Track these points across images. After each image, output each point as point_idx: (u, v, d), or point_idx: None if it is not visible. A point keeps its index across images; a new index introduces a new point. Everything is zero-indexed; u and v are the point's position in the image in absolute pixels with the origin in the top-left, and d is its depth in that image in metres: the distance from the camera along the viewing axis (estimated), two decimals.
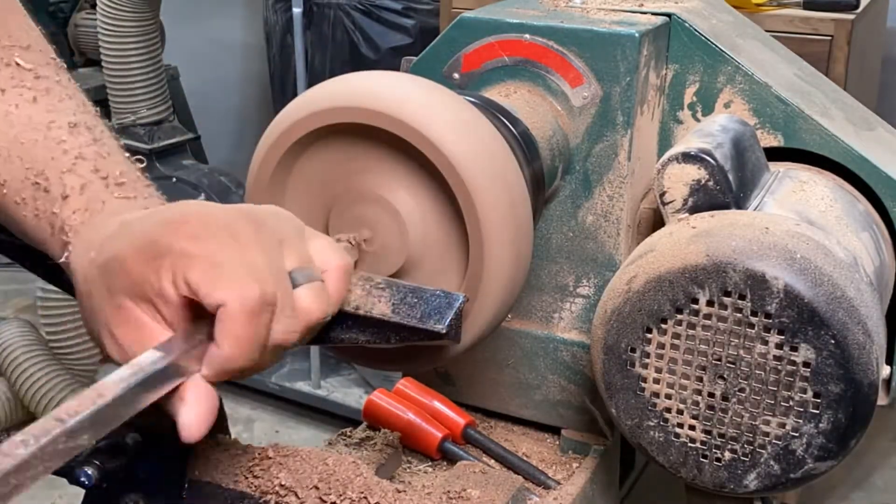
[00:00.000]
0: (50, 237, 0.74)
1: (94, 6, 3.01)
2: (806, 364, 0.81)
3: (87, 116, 0.81)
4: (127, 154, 0.80)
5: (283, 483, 0.78)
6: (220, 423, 0.84)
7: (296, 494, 0.77)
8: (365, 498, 0.77)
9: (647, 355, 0.87)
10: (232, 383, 2.88)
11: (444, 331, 0.73)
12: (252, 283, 0.65)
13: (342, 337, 0.76)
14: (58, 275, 0.76)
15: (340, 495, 0.77)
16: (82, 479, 0.75)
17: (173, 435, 0.79)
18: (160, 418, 0.80)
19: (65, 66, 0.86)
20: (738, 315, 0.83)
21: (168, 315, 0.67)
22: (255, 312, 0.65)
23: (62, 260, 0.73)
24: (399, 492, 0.79)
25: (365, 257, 0.86)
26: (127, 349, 0.67)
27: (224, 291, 0.64)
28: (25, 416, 2.87)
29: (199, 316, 0.67)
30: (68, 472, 0.76)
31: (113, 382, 0.61)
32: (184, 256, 0.65)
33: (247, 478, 0.79)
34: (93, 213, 0.73)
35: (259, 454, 0.80)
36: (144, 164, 0.81)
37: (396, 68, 1.03)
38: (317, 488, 0.77)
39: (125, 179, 0.76)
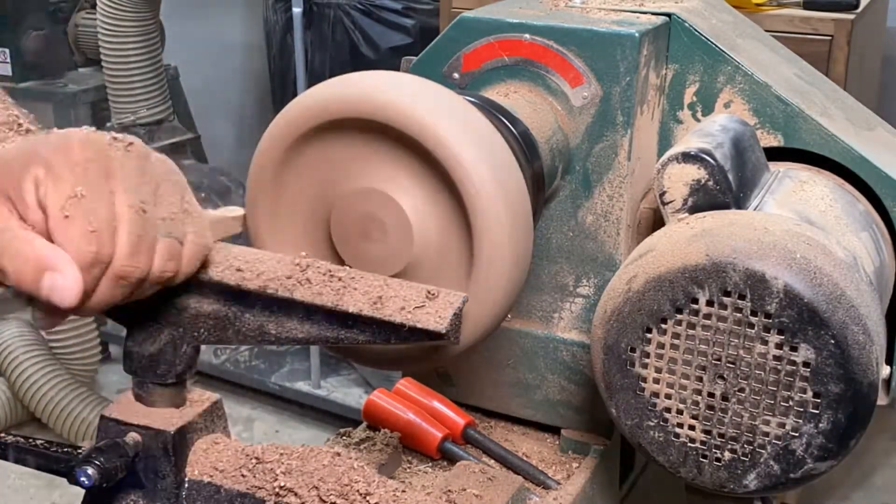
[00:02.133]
0: None
1: (94, 6, 3.01)
2: (806, 364, 0.81)
3: None
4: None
5: (283, 484, 0.78)
6: (219, 424, 0.84)
7: (296, 494, 0.77)
8: (366, 498, 0.77)
9: (647, 355, 0.87)
10: (232, 383, 2.86)
11: (444, 331, 0.73)
12: (92, 240, 0.68)
13: (342, 336, 0.76)
14: None
15: (340, 495, 0.77)
16: (82, 478, 0.75)
17: (174, 435, 0.79)
18: (161, 418, 0.80)
19: None
20: (738, 315, 0.83)
21: (27, 218, 0.69)
22: (85, 267, 0.68)
23: None
24: (400, 491, 0.79)
25: (374, 258, 0.87)
26: None
27: (65, 238, 0.67)
28: (25, 415, 2.87)
29: None
30: (68, 472, 0.76)
31: None
32: (54, 172, 0.68)
33: (246, 478, 0.79)
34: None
35: (258, 454, 0.80)
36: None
37: (396, 68, 1.03)
38: (317, 488, 0.77)
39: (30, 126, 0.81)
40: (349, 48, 3.04)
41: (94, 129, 0.74)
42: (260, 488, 0.78)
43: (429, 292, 0.76)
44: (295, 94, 0.88)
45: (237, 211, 0.88)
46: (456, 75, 1.06)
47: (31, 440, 0.82)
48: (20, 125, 0.80)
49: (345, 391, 2.99)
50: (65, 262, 0.67)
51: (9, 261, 0.68)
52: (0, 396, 2.84)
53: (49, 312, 0.70)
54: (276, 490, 0.78)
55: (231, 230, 0.87)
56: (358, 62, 2.98)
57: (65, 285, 0.67)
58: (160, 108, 3.04)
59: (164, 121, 3.06)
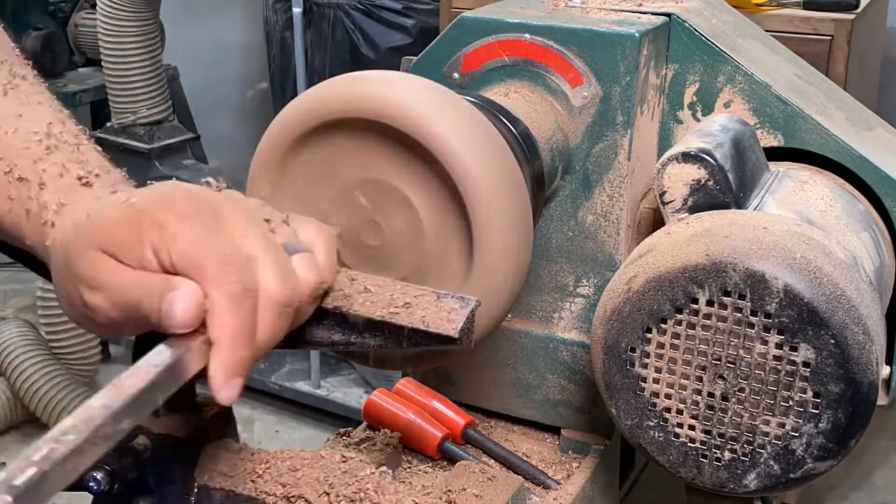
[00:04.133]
0: (25, 221, 0.74)
1: (94, 6, 3.01)
2: (806, 364, 0.81)
3: (58, 111, 0.81)
4: (97, 147, 0.80)
5: (292, 489, 0.77)
6: (229, 429, 0.84)
7: (306, 500, 0.77)
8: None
9: (647, 355, 0.87)
10: None
11: (456, 335, 0.73)
12: (231, 273, 0.65)
13: (354, 341, 0.75)
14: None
15: (352, 500, 0.76)
16: (91, 483, 0.75)
17: (184, 440, 0.79)
18: (171, 423, 0.80)
19: (28, 62, 0.85)
20: (738, 315, 0.83)
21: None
22: (239, 301, 0.65)
23: (47, 243, 0.72)
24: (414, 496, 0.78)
25: (374, 258, 0.86)
26: (105, 286, 0.66)
27: (205, 279, 0.65)
28: (25, 416, 2.87)
29: None
30: (79, 480, 0.75)
31: (144, 368, 0.62)
32: (169, 232, 0.66)
33: (256, 483, 0.78)
34: (73, 196, 0.73)
35: (268, 459, 0.79)
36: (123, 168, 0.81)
37: (396, 68, 1.03)
38: (327, 493, 0.77)
39: (100, 168, 0.77)
40: (349, 48, 3.03)
41: (175, 180, 0.72)
42: (270, 494, 0.78)
43: (440, 296, 0.75)
44: (295, 94, 0.88)
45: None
46: (456, 75, 1.06)
47: None
48: (88, 183, 0.75)
49: (345, 391, 2.99)
50: (187, 283, 0.64)
51: (139, 291, 0.65)
52: (0, 396, 2.84)
53: (219, 363, 0.66)
54: (287, 495, 0.77)
55: None
56: (358, 62, 2.98)
57: (185, 298, 0.63)
58: (160, 108, 3.04)
59: (164, 121, 3.06)
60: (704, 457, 0.87)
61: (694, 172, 0.93)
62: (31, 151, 0.75)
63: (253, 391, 3.02)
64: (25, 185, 0.74)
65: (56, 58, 3.20)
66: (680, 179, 0.93)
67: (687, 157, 0.93)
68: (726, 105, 1.07)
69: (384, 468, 0.80)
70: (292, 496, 0.77)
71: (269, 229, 0.71)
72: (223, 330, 0.65)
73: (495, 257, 0.83)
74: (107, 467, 0.75)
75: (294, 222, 0.75)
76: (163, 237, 0.65)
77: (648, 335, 0.86)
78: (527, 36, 1.03)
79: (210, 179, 0.72)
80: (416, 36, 3.01)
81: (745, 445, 0.85)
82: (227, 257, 0.66)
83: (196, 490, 0.79)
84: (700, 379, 0.85)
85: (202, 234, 0.66)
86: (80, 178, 0.75)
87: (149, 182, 0.77)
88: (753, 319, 0.82)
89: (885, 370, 0.92)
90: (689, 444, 0.87)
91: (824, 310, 0.80)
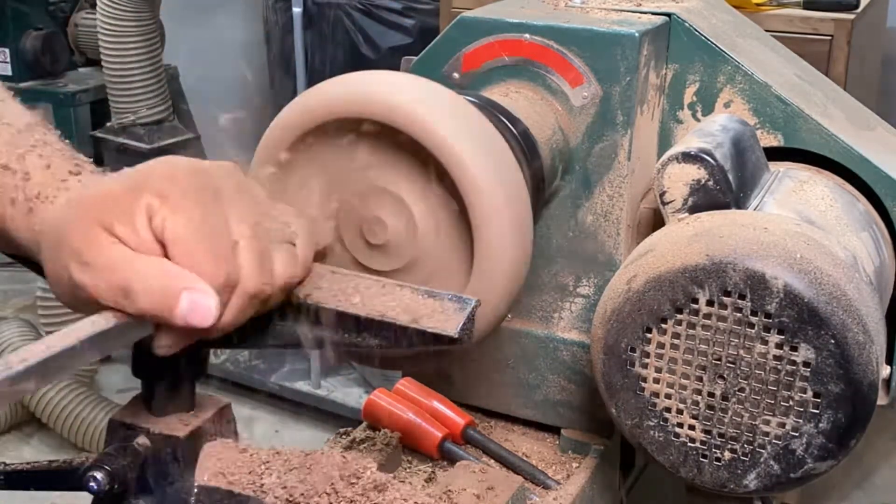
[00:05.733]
0: (10, 209, 0.73)
1: (94, 6, 3.01)
2: (806, 364, 0.81)
3: (36, 116, 0.82)
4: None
5: (293, 489, 0.77)
6: (229, 428, 0.84)
7: (307, 501, 0.77)
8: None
9: (647, 355, 0.87)
10: (232, 383, 2.85)
11: (456, 335, 0.73)
12: (220, 263, 0.67)
13: (354, 341, 0.75)
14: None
15: (352, 501, 0.76)
16: (90, 484, 0.75)
17: (183, 440, 0.79)
18: (171, 423, 0.79)
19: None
20: (738, 315, 0.83)
21: (138, 248, 0.67)
22: (217, 291, 0.67)
23: (36, 228, 0.72)
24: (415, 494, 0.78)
25: (375, 257, 0.87)
26: (95, 269, 0.66)
27: (193, 264, 0.66)
28: (25, 416, 2.87)
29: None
30: (79, 481, 0.76)
31: (63, 335, 0.63)
32: (170, 203, 0.67)
33: (255, 483, 0.78)
34: (62, 183, 0.74)
35: (268, 459, 0.79)
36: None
37: (396, 68, 1.03)
38: (327, 494, 0.77)
39: (85, 162, 0.78)
40: (349, 48, 3.03)
41: (182, 157, 0.73)
42: (270, 494, 0.78)
43: (440, 296, 0.75)
44: (295, 95, 0.88)
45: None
46: (456, 75, 1.06)
47: (33, 464, 0.82)
48: (77, 172, 0.76)
49: (345, 391, 2.99)
50: (200, 281, 0.65)
51: (138, 284, 0.65)
52: None
53: (179, 335, 0.68)
54: (287, 495, 0.77)
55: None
56: (358, 62, 2.98)
57: (207, 304, 0.65)
58: (160, 108, 3.04)
59: (164, 121, 3.06)
60: (704, 457, 0.87)
61: (694, 172, 0.93)
62: (14, 146, 0.75)
63: (253, 391, 3.02)
64: (10, 174, 0.74)
65: (56, 58, 3.20)
66: (680, 179, 0.93)
67: (687, 157, 0.93)
68: (726, 105, 1.07)
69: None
70: (292, 496, 0.77)
71: (261, 212, 0.72)
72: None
73: (495, 257, 0.83)
74: (107, 467, 0.75)
75: (283, 210, 0.76)
76: (162, 207, 0.66)
77: (648, 335, 0.86)
78: (527, 36, 1.03)
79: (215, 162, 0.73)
80: (416, 36, 3.00)
81: (746, 445, 0.85)
82: (217, 248, 0.67)
83: (196, 490, 0.79)
84: (700, 379, 0.85)
85: (200, 211, 0.67)
86: (70, 171, 0.75)
87: None
88: (753, 319, 0.82)
89: (885, 370, 0.92)
90: (690, 444, 0.87)
91: (824, 310, 0.80)
